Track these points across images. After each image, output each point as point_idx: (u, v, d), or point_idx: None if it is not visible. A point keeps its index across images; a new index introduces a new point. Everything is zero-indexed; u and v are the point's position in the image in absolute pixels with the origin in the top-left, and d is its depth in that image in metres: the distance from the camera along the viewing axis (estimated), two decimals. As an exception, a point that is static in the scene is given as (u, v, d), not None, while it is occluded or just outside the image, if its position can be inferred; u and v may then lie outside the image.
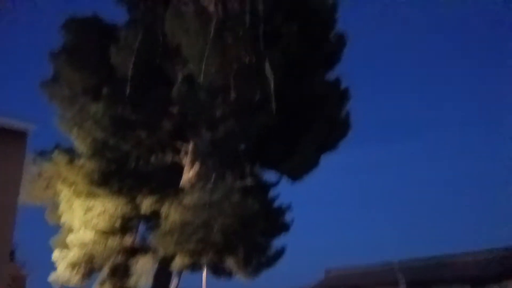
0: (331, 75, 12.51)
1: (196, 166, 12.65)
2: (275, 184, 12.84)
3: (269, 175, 13.03)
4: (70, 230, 13.90)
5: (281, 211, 12.93)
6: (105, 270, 14.57)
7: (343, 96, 12.22)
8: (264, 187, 12.68)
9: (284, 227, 13.13)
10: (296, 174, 12.34)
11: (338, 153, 12.73)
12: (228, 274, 13.89)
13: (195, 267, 14.21)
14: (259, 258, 12.94)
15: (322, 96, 11.46)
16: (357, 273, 20.82)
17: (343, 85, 12.38)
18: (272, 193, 12.88)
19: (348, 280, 18.38)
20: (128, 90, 10.99)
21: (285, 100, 10.39)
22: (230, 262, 13.47)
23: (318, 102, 11.38)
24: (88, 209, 13.16)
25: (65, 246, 13.93)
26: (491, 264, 16.76)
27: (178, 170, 13.29)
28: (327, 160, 12.91)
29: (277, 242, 13.05)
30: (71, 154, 12.80)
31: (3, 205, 8.65)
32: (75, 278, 13.94)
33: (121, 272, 14.34)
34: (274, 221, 12.66)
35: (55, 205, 14.47)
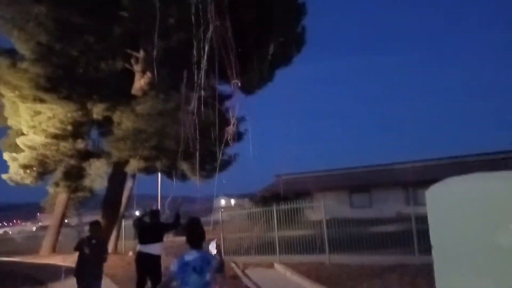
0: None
1: (148, 75, 13.32)
2: (229, 96, 13.88)
3: (224, 88, 14.01)
4: (19, 133, 14.67)
5: (234, 121, 14.22)
6: (59, 172, 15.88)
7: (298, 11, 12.78)
8: (218, 99, 13.71)
9: (237, 137, 14.61)
10: (250, 87, 13.38)
11: (291, 66, 13.72)
12: (183, 177, 15.64)
13: (149, 170, 15.80)
14: (212, 164, 14.55)
15: (278, 10, 11.99)
16: (304, 178, 23.66)
17: (299, 0, 12.86)
18: (226, 104, 14.00)
19: (296, 185, 20.93)
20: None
21: (240, 14, 10.92)
22: (184, 167, 15.09)
23: (273, 16, 11.95)
24: (35, 114, 13.77)
25: (15, 148, 14.83)
26: (426, 171, 19.76)
27: (129, 77, 13.91)
28: (282, 74, 14.01)
29: (229, 150, 14.70)
30: (12, 56, 12.88)
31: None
32: (28, 179, 15.20)
33: (75, 174, 15.69)
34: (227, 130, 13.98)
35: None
